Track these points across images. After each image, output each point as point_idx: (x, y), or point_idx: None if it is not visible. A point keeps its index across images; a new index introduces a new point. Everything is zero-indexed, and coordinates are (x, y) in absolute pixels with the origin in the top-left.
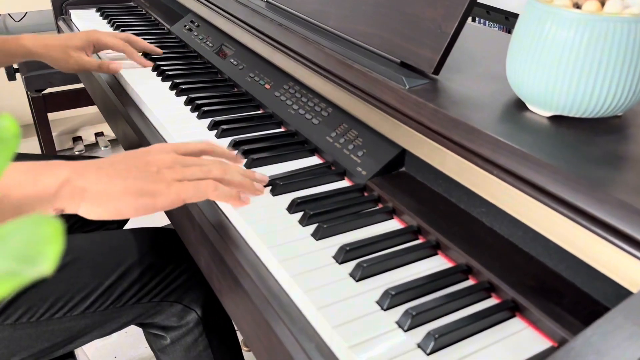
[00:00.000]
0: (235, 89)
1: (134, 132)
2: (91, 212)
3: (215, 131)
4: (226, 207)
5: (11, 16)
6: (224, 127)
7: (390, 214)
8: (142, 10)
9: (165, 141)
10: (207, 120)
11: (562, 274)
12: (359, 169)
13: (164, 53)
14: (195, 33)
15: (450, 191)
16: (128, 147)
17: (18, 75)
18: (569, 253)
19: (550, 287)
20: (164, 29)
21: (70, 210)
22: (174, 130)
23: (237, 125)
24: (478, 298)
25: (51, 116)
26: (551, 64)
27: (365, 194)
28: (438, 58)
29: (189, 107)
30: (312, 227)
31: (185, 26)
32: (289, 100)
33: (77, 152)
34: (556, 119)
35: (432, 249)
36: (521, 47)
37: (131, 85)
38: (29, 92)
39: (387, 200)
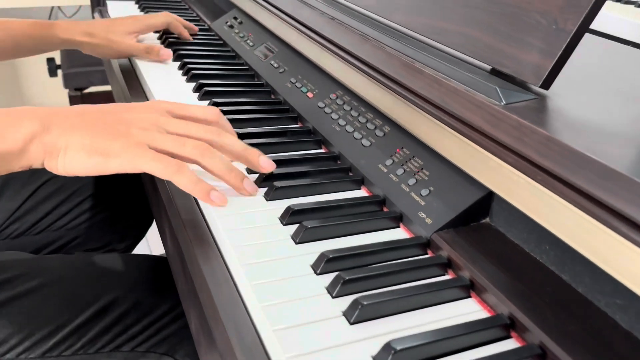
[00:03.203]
0: (273, 96)
1: None
2: (51, 165)
3: None
4: (228, 254)
5: (62, 10)
6: (249, 141)
7: (466, 290)
8: (185, 5)
9: None
10: None
11: None
12: (422, 214)
13: (196, 51)
14: (236, 30)
15: (562, 264)
16: None
17: (60, 71)
18: None
19: None
20: (204, 25)
21: (36, 165)
22: None
23: (266, 141)
24: None
25: None
26: None
27: (429, 253)
28: (551, 66)
29: None
30: (344, 301)
31: (226, 22)
32: (334, 114)
33: None
34: None
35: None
36: None
37: (149, 85)
38: (68, 91)
39: (461, 267)
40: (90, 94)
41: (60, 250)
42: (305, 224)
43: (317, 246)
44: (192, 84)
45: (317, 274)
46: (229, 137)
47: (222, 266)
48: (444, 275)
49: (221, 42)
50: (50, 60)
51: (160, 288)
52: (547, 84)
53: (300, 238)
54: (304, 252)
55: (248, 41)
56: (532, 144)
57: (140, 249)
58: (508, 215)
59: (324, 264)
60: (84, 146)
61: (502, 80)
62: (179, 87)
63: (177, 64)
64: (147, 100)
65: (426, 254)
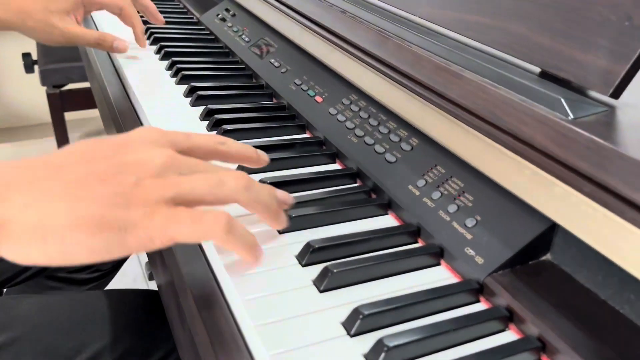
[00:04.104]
0: (275, 100)
1: None
2: (20, 255)
3: None
4: (237, 310)
5: None
6: None
7: (536, 352)
8: None
9: None
10: None
11: None
12: (470, 251)
13: (186, 48)
14: (229, 24)
15: None
16: None
17: (37, 67)
18: None
19: None
20: (192, 18)
21: None
22: None
23: (271, 156)
24: None
25: (76, 115)
26: None
27: (482, 300)
28: (624, 71)
29: (206, 122)
30: None
31: (217, 15)
32: (349, 122)
33: None
34: None
35: None
36: None
37: (133, 88)
38: (46, 88)
39: (525, 321)
40: (70, 91)
41: (38, 276)
42: (330, 267)
43: (346, 295)
44: (183, 87)
45: (352, 336)
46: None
47: (232, 325)
48: (504, 330)
49: (212, 37)
50: (26, 56)
51: (152, 330)
52: (617, 92)
53: (325, 285)
54: (331, 304)
55: (243, 36)
56: (617, 172)
57: (128, 266)
58: (576, 253)
59: (359, 322)
60: (81, 220)
61: (557, 85)
62: (168, 91)
63: (165, 63)
64: (132, 105)
65: (478, 301)
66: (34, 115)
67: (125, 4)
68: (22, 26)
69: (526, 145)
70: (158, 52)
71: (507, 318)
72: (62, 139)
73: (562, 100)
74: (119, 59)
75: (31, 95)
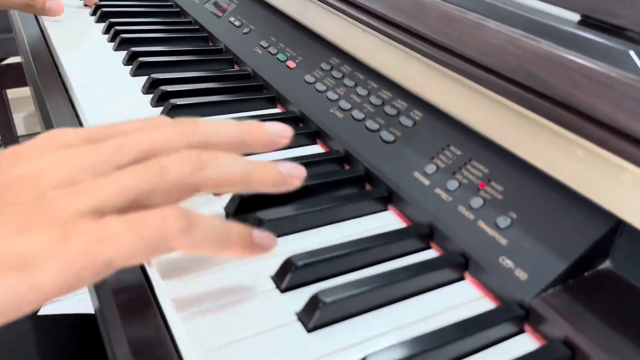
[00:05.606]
0: (237, 67)
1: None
2: None
3: None
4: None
5: None
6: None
7: None
8: None
9: None
10: None
11: None
12: (507, 262)
13: (127, 7)
14: None
15: None
16: None
17: None
18: None
19: None
20: None
21: None
22: None
23: None
24: None
25: (20, 92)
26: None
27: (527, 330)
28: None
29: (150, 96)
30: None
31: None
32: (331, 92)
33: None
34: None
35: None
36: None
37: (60, 56)
38: None
39: (591, 358)
40: (9, 65)
41: None
42: (321, 297)
43: (344, 333)
44: (123, 53)
45: None
46: (212, 123)
47: None
48: None
49: None
50: None
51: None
52: None
53: (315, 322)
54: (325, 347)
55: None
56: None
57: None
58: None
59: None
60: None
61: (607, 35)
62: (105, 59)
63: (102, 25)
64: (61, 79)
65: (522, 331)
66: None
67: None
68: None
69: (581, 116)
70: (94, 13)
71: (568, 357)
72: (4, 119)
73: (632, 53)
74: (46, 21)
75: None
